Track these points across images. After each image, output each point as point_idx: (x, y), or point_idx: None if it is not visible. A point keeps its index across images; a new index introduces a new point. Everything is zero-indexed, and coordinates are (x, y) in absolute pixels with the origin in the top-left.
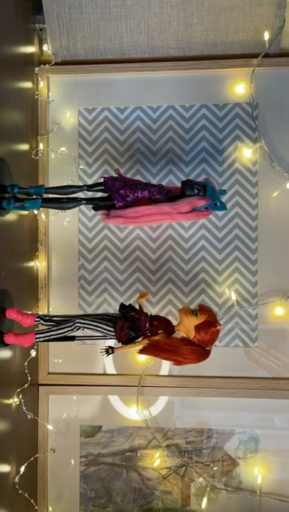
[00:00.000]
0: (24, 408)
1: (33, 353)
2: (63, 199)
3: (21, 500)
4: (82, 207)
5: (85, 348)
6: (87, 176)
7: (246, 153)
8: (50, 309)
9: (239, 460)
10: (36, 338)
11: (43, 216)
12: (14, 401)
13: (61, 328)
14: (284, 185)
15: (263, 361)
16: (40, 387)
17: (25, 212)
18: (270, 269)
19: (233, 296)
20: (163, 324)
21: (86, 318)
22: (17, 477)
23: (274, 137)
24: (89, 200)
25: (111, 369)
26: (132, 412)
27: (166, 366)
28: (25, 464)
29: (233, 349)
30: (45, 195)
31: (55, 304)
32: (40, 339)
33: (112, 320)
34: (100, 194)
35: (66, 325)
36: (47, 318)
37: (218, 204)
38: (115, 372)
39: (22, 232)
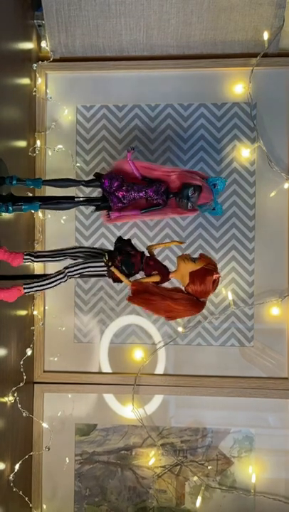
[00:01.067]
0: (19, 406)
1: (29, 352)
2: (61, 200)
3: (16, 498)
4: None
5: (81, 346)
6: (85, 173)
7: (244, 152)
8: (46, 308)
9: (234, 459)
10: (25, 289)
11: (40, 215)
12: (9, 399)
13: (51, 282)
14: (282, 185)
15: (258, 361)
16: (35, 385)
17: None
18: (267, 269)
19: (230, 296)
20: (159, 266)
21: (76, 264)
22: (11, 475)
23: (272, 137)
24: (87, 202)
25: (106, 367)
26: (128, 411)
27: (161, 365)
28: (20, 462)
29: (229, 348)
30: (40, 194)
31: (51, 302)
32: (28, 291)
33: (104, 254)
34: (97, 191)
35: (57, 277)
36: (38, 253)
37: (214, 208)
38: (111, 371)
39: (19, 231)
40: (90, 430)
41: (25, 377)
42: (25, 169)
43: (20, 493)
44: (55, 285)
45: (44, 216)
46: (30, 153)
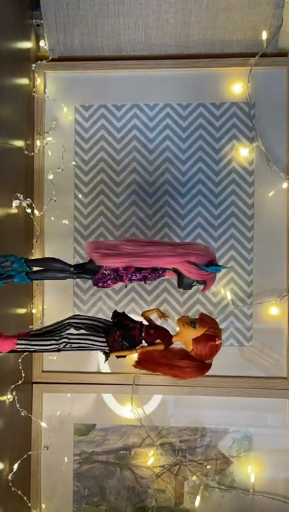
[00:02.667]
0: (18, 405)
1: None
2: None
3: (14, 498)
4: (77, 203)
5: None
6: (83, 172)
7: (243, 152)
8: (44, 306)
9: (232, 459)
10: (17, 345)
11: (36, 212)
12: (8, 397)
13: (46, 341)
14: (280, 185)
15: (257, 360)
16: (34, 385)
17: (15, 211)
18: (266, 268)
19: (229, 295)
20: (160, 333)
21: (74, 333)
22: (10, 474)
23: (271, 137)
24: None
25: (105, 367)
26: (126, 411)
27: None
28: (19, 462)
29: (228, 348)
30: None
31: (50, 301)
32: (22, 347)
33: (105, 329)
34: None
35: (52, 339)
36: (36, 332)
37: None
38: (109, 371)
39: (17, 230)
40: (88, 430)
41: (23, 375)
42: (23, 169)
43: (19, 492)
44: (48, 351)
45: (41, 212)
46: (27, 153)
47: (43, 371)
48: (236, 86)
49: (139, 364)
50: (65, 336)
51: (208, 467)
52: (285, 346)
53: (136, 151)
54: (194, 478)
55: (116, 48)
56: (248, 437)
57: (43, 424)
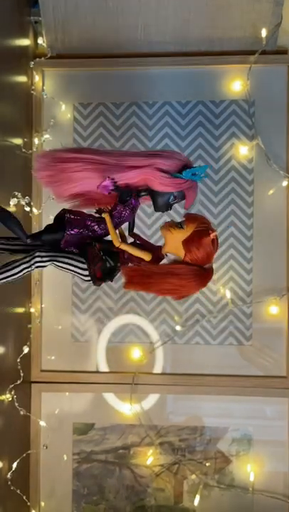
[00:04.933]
0: (17, 404)
1: (26, 349)
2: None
3: (13, 497)
4: None
5: (79, 345)
6: None
7: (242, 150)
8: (43, 305)
9: (232, 457)
10: None
11: (35, 210)
12: (6, 397)
13: (15, 266)
14: (280, 184)
15: (256, 359)
16: (32, 384)
17: (13, 210)
18: (265, 267)
19: (228, 295)
20: (148, 244)
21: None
22: (9, 473)
23: (270, 135)
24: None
25: (104, 367)
26: (126, 410)
27: (160, 364)
28: (18, 460)
29: (227, 347)
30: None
31: (48, 300)
32: None
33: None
34: None
35: (22, 261)
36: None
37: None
38: (108, 370)
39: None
40: (87, 429)
41: (22, 374)
42: (21, 167)
43: (18, 491)
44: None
45: (40, 210)
46: (25, 151)
47: (41, 370)
48: (236, 84)
49: (128, 284)
50: (36, 254)
51: (206, 465)
52: (285, 345)
53: (135, 149)
54: (194, 477)
55: (115, 46)
56: (247, 436)
57: (42, 423)
